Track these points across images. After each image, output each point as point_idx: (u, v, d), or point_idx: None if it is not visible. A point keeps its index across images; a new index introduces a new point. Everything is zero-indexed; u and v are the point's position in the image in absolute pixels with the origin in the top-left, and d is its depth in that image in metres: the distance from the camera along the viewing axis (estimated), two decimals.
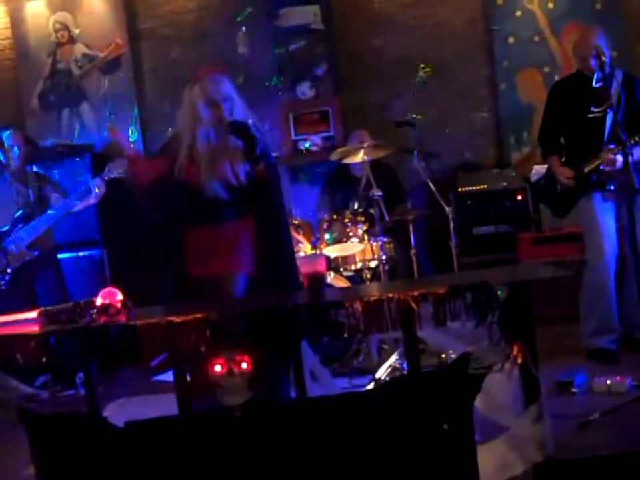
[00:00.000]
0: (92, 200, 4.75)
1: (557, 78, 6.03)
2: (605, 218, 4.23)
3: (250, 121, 3.38)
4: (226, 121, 3.38)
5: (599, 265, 4.21)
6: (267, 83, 6.30)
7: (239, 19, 6.30)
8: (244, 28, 6.16)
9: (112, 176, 4.68)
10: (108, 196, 4.81)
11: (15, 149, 4.95)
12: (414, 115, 5.94)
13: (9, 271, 4.77)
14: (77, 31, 6.52)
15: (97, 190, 4.69)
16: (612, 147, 4.07)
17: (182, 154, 3.48)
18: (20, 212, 4.85)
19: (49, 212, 4.80)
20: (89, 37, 6.53)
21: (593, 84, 4.17)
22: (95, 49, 6.53)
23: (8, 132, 4.99)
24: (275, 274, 3.43)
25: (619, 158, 3.98)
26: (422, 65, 6.21)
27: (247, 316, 2.72)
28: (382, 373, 4.10)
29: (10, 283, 4.78)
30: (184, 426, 2.62)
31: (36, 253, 4.81)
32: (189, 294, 3.45)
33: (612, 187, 4.19)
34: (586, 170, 4.22)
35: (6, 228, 4.83)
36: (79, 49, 6.55)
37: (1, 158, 4.94)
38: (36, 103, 6.58)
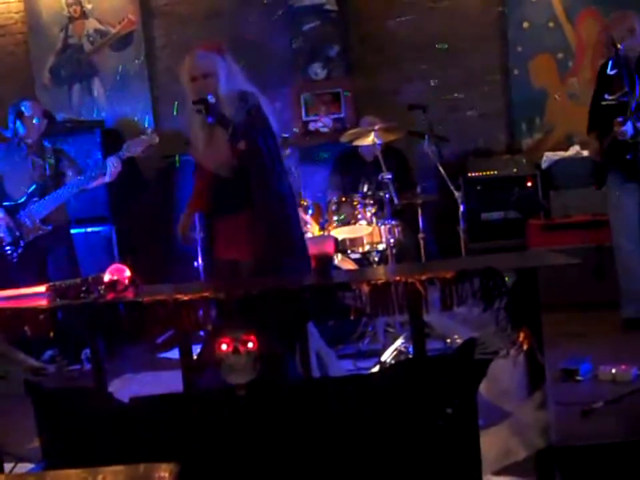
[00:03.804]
0: (107, 178, 4.74)
1: (570, 64, 6.02)
2: (626, 200, 4.29)
3: (213, 97, 3.20)
4: (204, 98, 3.23)
5: (618, 241, 4.39)
6: (279, 63, 6.26)
7: None
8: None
9: (129, 155, 4.68)
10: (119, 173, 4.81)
11: (35, 119, 4.93)
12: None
13: (22, 243, 4.80)
14: (89, 6, 6.50)
15: (112, 168, 4.68)
16: (620, 119, 4.07)
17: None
18: (35, 185, 4.86)
19: (64, 188, 4.81)
20: (101, 12, 6.50)
21: (607, 71, 4.16)
22: (107, 25, 6.51)
23: (27, 102, 4.98)
24: (279, 262, 3.38)
25: (628, 128, 4.01)
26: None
27: (254, 296, 2.73)
28: (387, 356, 4.11)
29: (22, 255, 4.81)
30: (188, 403, 2.63)
31: (49, 228, 4.83)
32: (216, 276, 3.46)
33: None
34: (605, 145, 4.25)
35: (21, 200, 4.85)
36: (91, 24, 6.53)
37: (20, 129, 4.92)
38: (47, 78, 6.58)
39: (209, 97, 3.23)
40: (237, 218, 3.40)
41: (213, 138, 3.35)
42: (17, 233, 4.78)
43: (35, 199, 4.82)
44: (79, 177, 4.83)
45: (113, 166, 4.67)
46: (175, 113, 6.34)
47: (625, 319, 4.41)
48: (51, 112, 5.52)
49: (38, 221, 4.80)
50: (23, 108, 4.90)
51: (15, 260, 4.79)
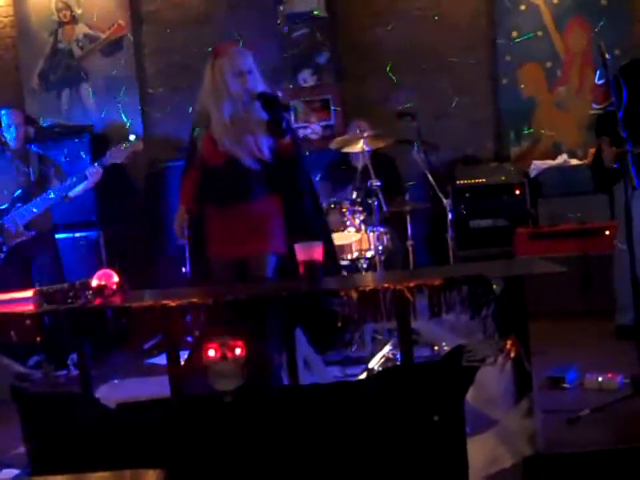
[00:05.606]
0: (90, 185, 4.74)
1: (559, 73, 6.06)
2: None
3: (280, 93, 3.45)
4: (252, 92, 3.42)
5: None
6: (268, 69, 6.26)
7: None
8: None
9: (111, 162, 4.67)
10: (106, 178, 4.80)
11: (12, 128, 4.92)
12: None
13: (5, 249, 4.77)
14: (79, 11, 6.48)
15: (94, 177, 4.68)
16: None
17: (202, 131, 3.53)
18: (19, 191, 4.84)
19: (48, 194, 4.79)
20: (91, 17, 6.49)
21: (595, 80, 4.18)
22: (97, 30, 6.49)
23: (6, 111, 4.96)
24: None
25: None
26: None
27: (242, 302, 2.72)
28: (375, 363, 4.10)
29: (6, 261, 4.78)
30: (175, 409, 2.62)
31: (33, 233, 4.80)
32: (211, 275, 3.47)
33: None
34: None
35: (4, 206, 4.82)
36: (81, 29, 6.51)
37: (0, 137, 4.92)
38: (36, 83, 6.55)
39: (278, 93, 3.49)
40: (261, 204, 3.52)
41: (244, 130, 3.46)
42: (0, 239, 4.76)
43: (19, 205, 4.80)
44: (62, 184, 4.81)
45: (94, 174, 4.67)
46: None
47: (619, 325, 4.37)
48: (34, 118, 5.51)
49: (21, 227, 4.77)
50: (1, 117, 4.90)
51: None
